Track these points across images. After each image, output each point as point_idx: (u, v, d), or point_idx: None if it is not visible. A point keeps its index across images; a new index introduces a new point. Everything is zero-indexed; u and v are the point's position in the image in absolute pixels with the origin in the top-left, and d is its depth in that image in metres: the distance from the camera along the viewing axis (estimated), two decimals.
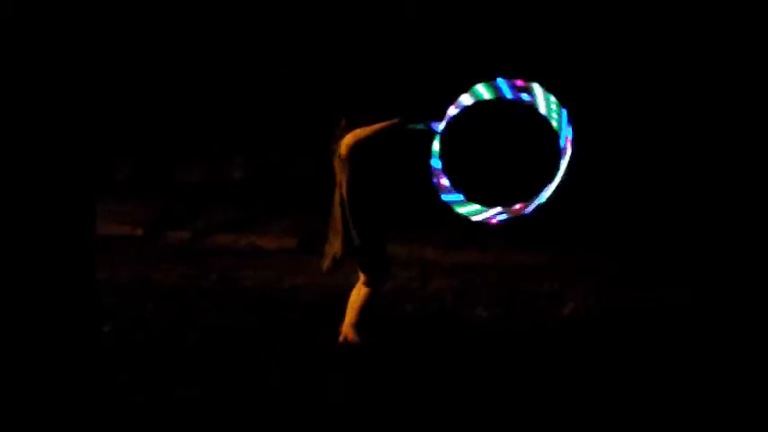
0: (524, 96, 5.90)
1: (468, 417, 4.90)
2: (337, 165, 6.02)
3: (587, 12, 11.42)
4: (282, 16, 12.34)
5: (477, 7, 11.69)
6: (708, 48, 11.12)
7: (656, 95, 11.40)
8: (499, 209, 5.91)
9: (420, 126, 5.88)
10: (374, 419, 4.83)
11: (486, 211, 5.91)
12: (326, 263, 6.09)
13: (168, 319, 6.85)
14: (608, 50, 11.42)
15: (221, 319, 6.92)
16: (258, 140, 13.04)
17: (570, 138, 5.74)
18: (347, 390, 5.26)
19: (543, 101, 5.87)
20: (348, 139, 5.91)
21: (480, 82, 5.81)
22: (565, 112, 5.75)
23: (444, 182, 5.91)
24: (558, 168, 5.72)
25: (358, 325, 6.05)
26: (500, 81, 5.85)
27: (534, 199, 5.84)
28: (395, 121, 5.83)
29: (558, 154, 5.79)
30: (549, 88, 5.82)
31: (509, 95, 5.91)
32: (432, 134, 5.86)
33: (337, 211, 6.01)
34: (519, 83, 5.85)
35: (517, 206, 5.91)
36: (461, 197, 5.94)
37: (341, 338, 6.15)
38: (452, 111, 5.86)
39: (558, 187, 5.76)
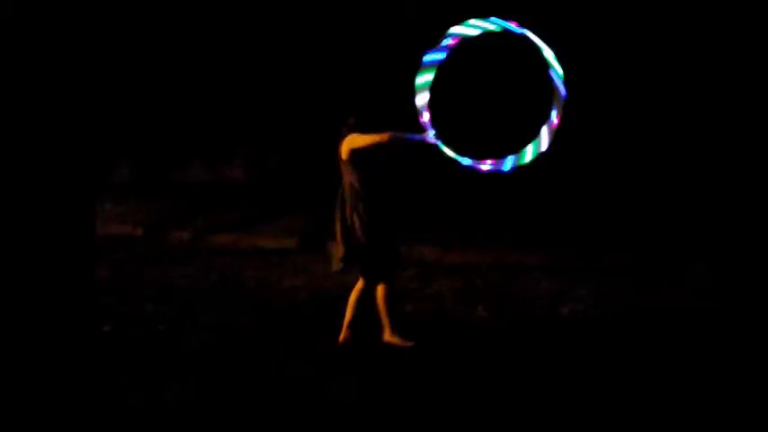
0: (452, 37, 5.82)
1: (469, 417, 4.90)
2: (341, 166, 6.04)
3: (588, 14, 11.42)
4: (282, 16, 12.34)
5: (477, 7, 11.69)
6: (705, 47, 11.12)
7: (657, 93, 11.39)
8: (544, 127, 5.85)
9: (415, 138, 5.83)
10: (374, 419, 4.83)
11: (537, 140, 5.85)
12: (335, 264, 6.11)
13: (168, 319, 6.85)
14: (606, 50, 11.42)
15: (221, 319, 6.92)
16: (258, 140, 13.04)
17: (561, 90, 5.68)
18: (347, 389, 5.26)
19: (469, 29, 5.78)
20: (346, 144, 5.93)
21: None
22: (494, 18, 5.67)
23: (489, 162, 5.84)
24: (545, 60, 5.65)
25: (393, 326, 6.09)
26: (426, 57, 5.79)
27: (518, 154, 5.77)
28: (384, 136, 5.81)
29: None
30: (546, 83, 5.80)
31: (442, 57, 5.82)
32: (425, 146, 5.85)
33: (343, 211, 6.03)
34: (449, 42, 5.79)
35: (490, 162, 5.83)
36: (512, 157, 5.84)
37: (341, 338, 6.16)
38: (425, 117, 5.83)
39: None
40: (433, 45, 5.88)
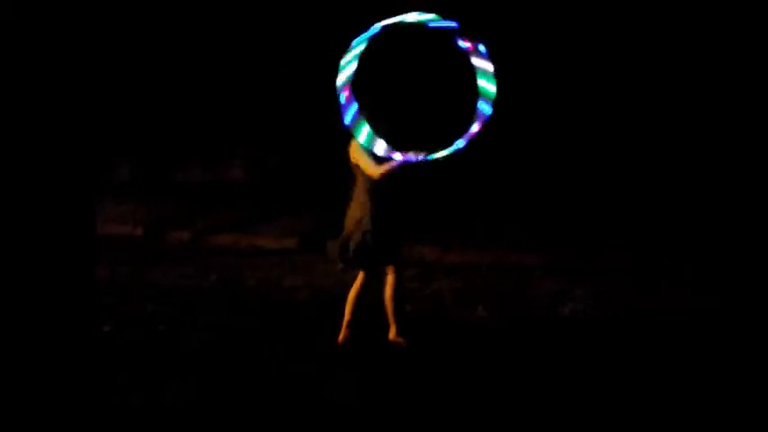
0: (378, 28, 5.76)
1: (469, 416, 4.90)
2: (352, 165, 6.07)
3: (588, 14, 11.42)
4: (282, 16, 12.34)
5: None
6: (707, 47, 11.12)
7: (654, 94, 11.39)
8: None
9: (403, 161, 5.78)
10: (374, 419, 4.83)
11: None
12: (340, 264, 6.13)
13: (168, 319, 6.85)
14: (607, 51, 11.42)
15: (221, 319, 6.92)
16: (258, 140, 13.04)
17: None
18: (347, 389, 5.26)
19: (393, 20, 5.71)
20: (353, 151, 5.98)
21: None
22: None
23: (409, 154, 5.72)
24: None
25: (400, 327, 6.10)
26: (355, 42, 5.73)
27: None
28: (375, 173, 5.85)
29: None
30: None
31: (366, 39, 5.74)
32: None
33: (354, 212, 6.05)
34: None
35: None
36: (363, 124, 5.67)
37: (341, 337, 6.16)
38: (343, 97, 5.70)
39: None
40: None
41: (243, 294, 7.95)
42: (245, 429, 4.70)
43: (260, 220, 11.51)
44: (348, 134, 5.80)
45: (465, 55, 5.76)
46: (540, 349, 6.21)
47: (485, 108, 5.62)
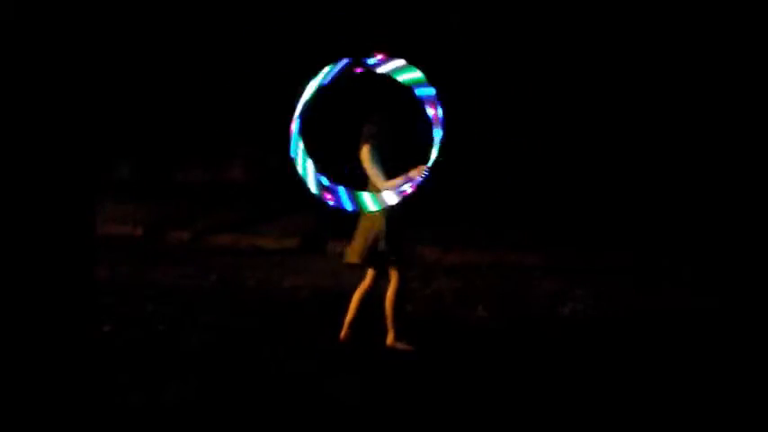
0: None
1: (469, 416, 4.90)
2: (364, 166, 6.10)
3: (588, 11, 11.42)
4: (282, 16, 12.34)
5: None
6: (711, 48, 11.12)
7: (652, 96, 11.40)
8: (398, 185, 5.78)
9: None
10: (375, 418, 4.83)
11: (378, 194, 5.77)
12: (353, 257, 6.11)
13: (168, 319, 6.85)
14: (608, 52, 11.42)
15: (221, 319, 6.92)
16: (258, 141, 13.04)
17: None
18: (348, 389, 5.26)
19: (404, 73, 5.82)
20: (363, 156, 6.05)
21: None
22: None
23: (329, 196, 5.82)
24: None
25: (398, 332, 6.11)
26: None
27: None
28: (380, 186, 5.91)
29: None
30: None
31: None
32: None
33: (366, 217, 6.06)
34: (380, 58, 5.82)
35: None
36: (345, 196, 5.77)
37: (342, 334, 6.17)
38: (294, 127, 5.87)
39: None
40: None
41: (243, 294, 7.95)
42: (246, 429, 4.70)
43: (260, 220, 11.52)
44: (359, 135, 5.91)
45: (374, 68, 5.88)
46: (540, 349, 6.21)
47: (426, 91, 5.67)
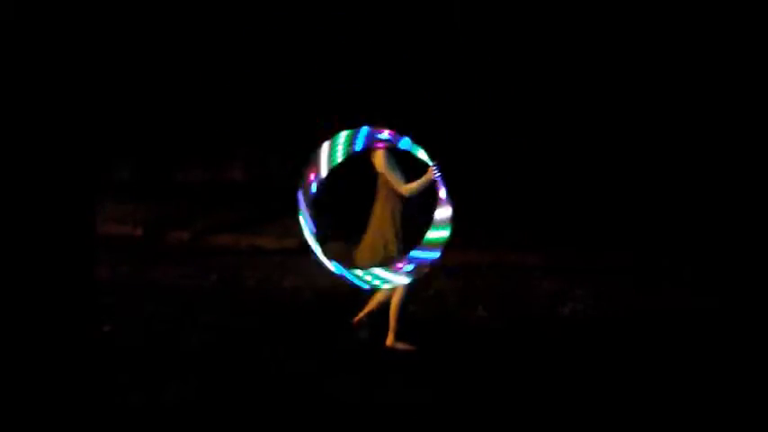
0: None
1: (469, 416, 4.90)
2: (378, 175, 6.11)
3: (589, 11, 11.41)
4: (282, 16, 12.33)
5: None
6: (708, 49, 11.13)
7: (651, 95, 11.40)
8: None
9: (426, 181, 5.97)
10: (375, 418, 4.83)
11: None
12: (363, 263, 6.12)
13: (168, 319, 6.85)
14: (608, 52, 11.43)
15: (221, 319, 6.92)
16: (258, 141, 13.03)
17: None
18: (348, 389, 5.26)
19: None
20: (378, 163, 6.07)
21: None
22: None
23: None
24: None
25: (398, 334, 6.11)
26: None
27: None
28: (404, 190, 6.02)
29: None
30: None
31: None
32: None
33: (379, 221, 6.06)
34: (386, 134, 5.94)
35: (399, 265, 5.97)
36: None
37: (356, 319, 6.16)
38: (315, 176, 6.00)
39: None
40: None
41: (243, 294, 7.95)
42: (245, 429, 4.70)
43: (260, 220, 11.51)
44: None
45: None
46: (539, 349, 6.21)
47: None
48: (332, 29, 12.05)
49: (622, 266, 9.08)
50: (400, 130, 5.99)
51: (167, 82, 12.93)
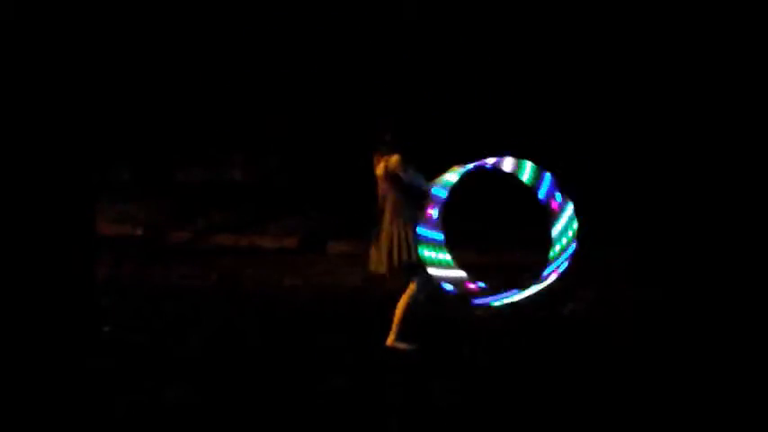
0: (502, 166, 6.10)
1: (469, 416, 4.90)
2: (385, 178, 6.09)
3: (590, 10, 11.42)
4: (282, 16, 12.34)
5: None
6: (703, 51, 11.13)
7: (652, 96, 11.40)
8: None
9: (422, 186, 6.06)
10: (375, 418, 4.83)
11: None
12: (379, 268, 6.12)
13: (168, 319, 6.85)
14: (607, 53, 11.43)
15: (221, 319, 6.92)
16: (258, 141, 13.05)
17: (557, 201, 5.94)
18: (347, 389, 5.26)
19: (521, 169, 6.03)
20: (393, 166, 6.03)
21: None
22: (548, 176, 6.03)
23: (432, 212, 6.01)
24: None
25: (399, 334, 6.12)
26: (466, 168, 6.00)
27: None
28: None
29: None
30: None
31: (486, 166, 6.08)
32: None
33: (390, 228, 6.07)
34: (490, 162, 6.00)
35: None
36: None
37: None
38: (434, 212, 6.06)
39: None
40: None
41: (243, 294, 7.95)
42: (245, 429, 4.70)
43: (260, 220, 11.52)
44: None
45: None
46: (539, 349, 6.21)
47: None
48: (332, 29, 12.05)
49: (622, 266, 9.07)
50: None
51: (167, 82, 12.94)
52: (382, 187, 6.13)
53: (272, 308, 7.35)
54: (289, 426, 4.73)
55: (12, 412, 4.73)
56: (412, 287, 6.14)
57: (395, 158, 6.03)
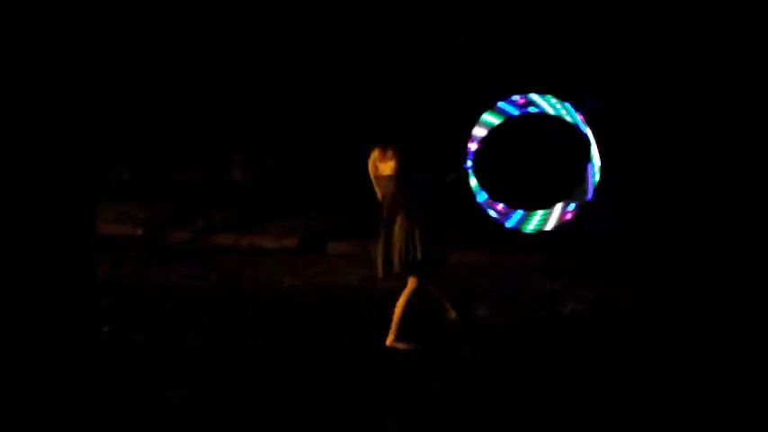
0: (531, 109, 6.08)
1: (469, 416, 4.90)
2: (388, 179, 6.08)
3: (592, 12, 11.41)
4: (282, 16, 12.34)
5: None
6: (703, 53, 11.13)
7: (652, 96, 11.40)
8: (561, 205, 6.08)
9: (452, 175, 6.11)
10: (374, 419, 4.84)
11: (549, 213, 6.11)
12: (388, 270, 6.12)
13: (168, 319, 6.85)
14: (612, 57, 11.43)
15: (221, 319, 6.92)
16: (258, 141, 13.04)
17: (586, 126, 5.93)
18: (347, 389, 5.26)
19: (547, 105, 6.01)
20: (395, 162, 6.06)
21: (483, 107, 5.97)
22: (569, 105, 5.92)
23: (500, 208, 6.08)
24: (590, 155, 5.93)
25: (398, 335, 6.12)
26: (502, 104, 6.00)
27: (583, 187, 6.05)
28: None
29: (583, 145, 5.99)
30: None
31: (515, 113, 6.08)
32: (464, 174, 6.08)
33: (397, 227, 6.07)
34: (519, 100, 5.98)
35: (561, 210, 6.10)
36: (521, 213, 6.08)
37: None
38: (472, 146, 6.03)
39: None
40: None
41: (243, 294, 7.95)
42: (245, 429, 4.70)
43: (260, 220, 11.52)
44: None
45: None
46: (539, 349, 6.21)
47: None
48: (332, 29, 12.05)
49: (622, 265, 9.07)
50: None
51: (167, 82, 12.93)
52: (383, 186, 6.12)
53: (272, 308, 7.35)
54: (289, 426, 4.73)
55: (12, 412, 4.73)
56: (411, 285, 6.13)
57: (398, 158, 6.02)
